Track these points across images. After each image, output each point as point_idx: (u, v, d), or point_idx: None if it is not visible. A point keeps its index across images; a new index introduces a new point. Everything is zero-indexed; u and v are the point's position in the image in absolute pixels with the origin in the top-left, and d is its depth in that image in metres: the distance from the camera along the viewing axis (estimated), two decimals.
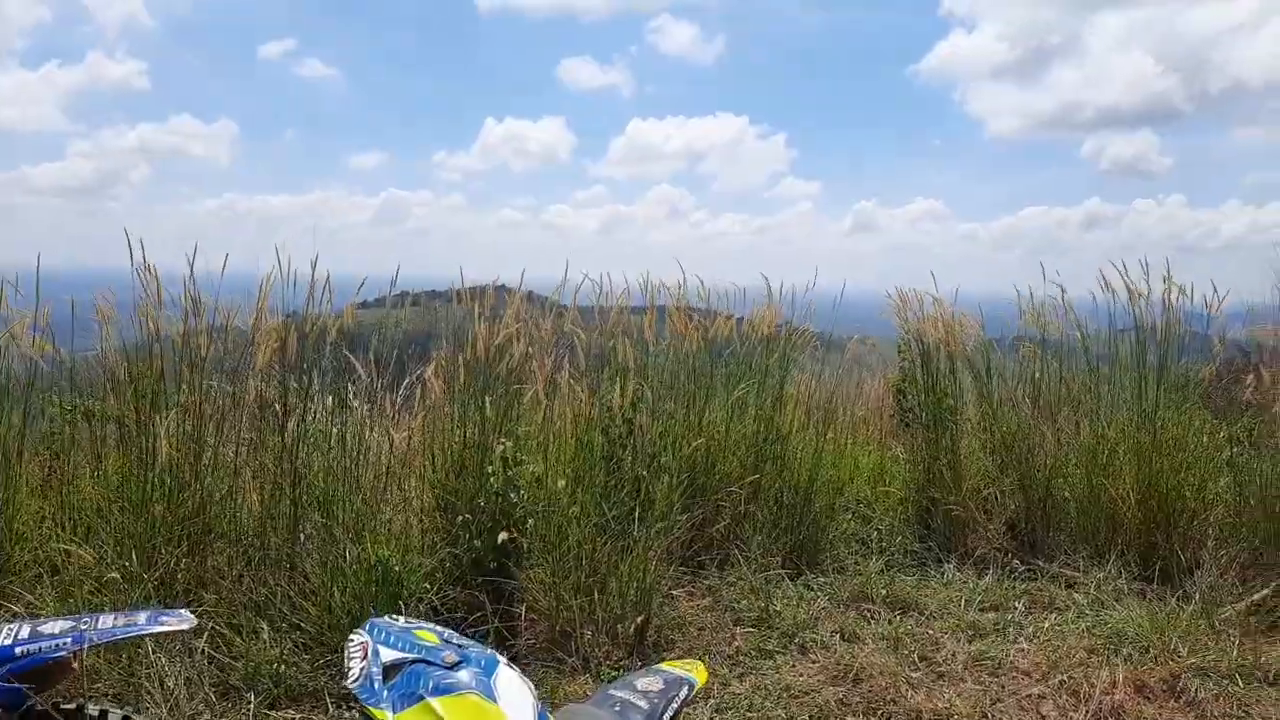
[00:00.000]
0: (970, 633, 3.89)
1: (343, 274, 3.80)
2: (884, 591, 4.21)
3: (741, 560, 4.23)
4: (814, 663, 3.55)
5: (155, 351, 3.48)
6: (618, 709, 1.88)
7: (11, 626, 1.92)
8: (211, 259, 3.45)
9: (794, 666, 3.52)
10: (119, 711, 2.14)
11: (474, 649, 1.84)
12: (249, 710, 2.95)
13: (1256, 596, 3.98)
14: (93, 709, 2.09)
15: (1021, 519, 4.88)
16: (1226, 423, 4.91)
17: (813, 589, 4.28)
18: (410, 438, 4.00)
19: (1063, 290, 5.16)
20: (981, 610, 4.16)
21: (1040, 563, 4.60)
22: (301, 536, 3.51)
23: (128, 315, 3.54)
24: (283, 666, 3.09)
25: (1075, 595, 4.23)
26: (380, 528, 3.56)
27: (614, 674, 3.26)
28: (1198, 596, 3.99)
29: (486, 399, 3.80)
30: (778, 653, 3.63)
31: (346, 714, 2.98)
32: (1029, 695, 3.33)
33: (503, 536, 3.33)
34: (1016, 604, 4.20)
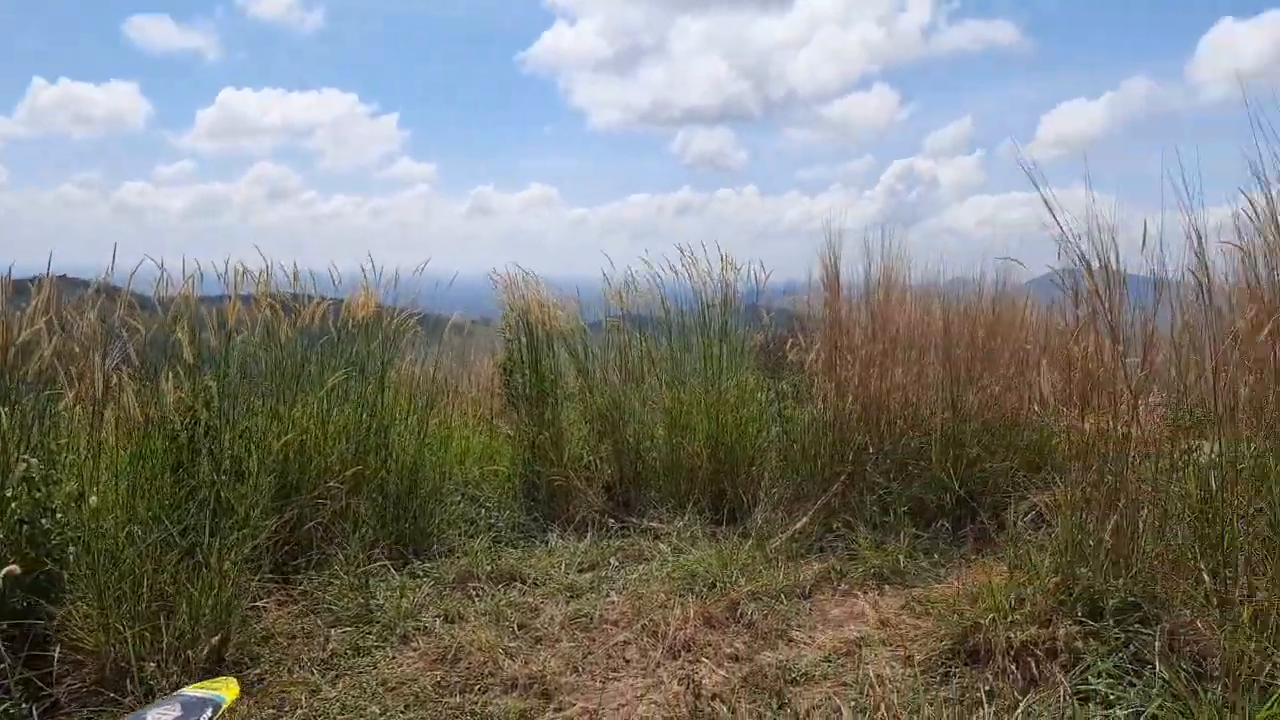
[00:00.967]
0: (568, 594, 4.10)
1: None
2: (489, 567, 4.28)
3: (341, 558, 4.04)
4: (415, 650, 3.49)
5: None
6: None
7: None
8: None
9: (393, 659, 3.43)
10: None
11: None
12: None
13: (797, 526, 4.70)
14: None
15: (617, 481, 5.29)
16: (775, 380, 5.75)
17: (418, 576, 4.23)
18: None
19: (649, 266, 5.69)
20: (580, 571, 4.41)
21: (634, 520, 5.02)
22: None
23: None
24: None
25: (660, 545, 4.67)
26: None
27: None
28: (754, 532, 4.63)
29: (2, 410, 3.16)
30: (376, 648, 3.51)
31: None
32: (616, 643, 3.58)
33: (9, 570, 2.78)
34: (611, 560, 4.53)
